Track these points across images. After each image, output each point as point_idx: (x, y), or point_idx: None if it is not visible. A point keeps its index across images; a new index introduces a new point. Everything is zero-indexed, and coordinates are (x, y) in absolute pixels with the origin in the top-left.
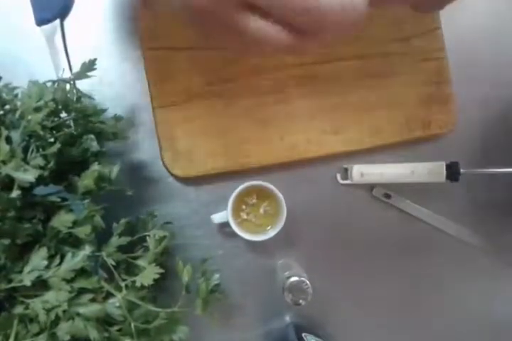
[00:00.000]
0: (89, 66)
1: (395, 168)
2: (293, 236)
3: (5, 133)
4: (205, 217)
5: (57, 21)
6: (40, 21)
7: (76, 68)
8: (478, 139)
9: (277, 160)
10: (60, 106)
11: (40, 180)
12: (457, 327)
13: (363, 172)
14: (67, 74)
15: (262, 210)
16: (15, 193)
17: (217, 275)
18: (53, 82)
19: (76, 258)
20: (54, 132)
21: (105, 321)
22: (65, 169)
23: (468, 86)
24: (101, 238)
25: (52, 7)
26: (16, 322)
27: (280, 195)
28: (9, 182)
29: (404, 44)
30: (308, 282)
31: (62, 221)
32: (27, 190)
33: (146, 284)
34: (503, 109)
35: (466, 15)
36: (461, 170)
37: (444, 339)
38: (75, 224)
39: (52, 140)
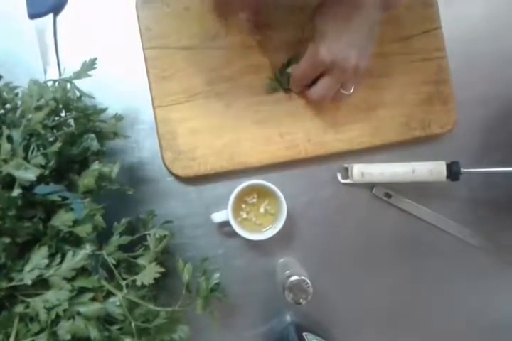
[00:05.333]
0: (90, 65)
1: (395, 168)
2: (293, 235)
3: (6, 132)
4: (205, 216)
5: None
6: (33, 14)
7: (77, 67)
8: (478, 139)
9: (277, 159)
10: (60, 106)
11: (41, 179)
12: (457, 327)
13: (364, 171)
14: (54, 72)
15: (262, 209)
16: (16, 192)
17: (217, 275)
18: (54, 81)
19: (77, 257)
20: (54, 131)
21: (105, 320)
22: (65, 168)
23: (468, 86)
24: (101, 237)
25: (46, 1)
26: (16, 321)
27: (280, 194)
28: (10, 181)
29: (404, 44)
30: (308, 281)
31: (62, 220)
32: (28, 188)
33: (146, 283)
34: (503, 109)
35: (466, 16)
36: (462, 170)
37: (444, 339)
38: (76, 223)
39: (52, 139)
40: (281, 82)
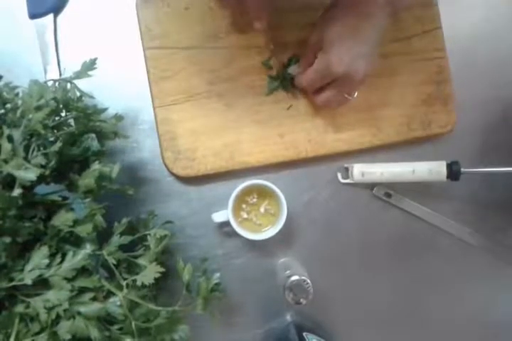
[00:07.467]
0: (90, 65)
1: (395, 167)
2: (293, 235)
3: (6, 132)
4: (206, 216)
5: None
6: (33, 15)
7: (77, 67)
8: (478, 139)
9: (278, 159)
10: (60, 105)
11: (41, 179)
12: (457, 327)
13: (364, 171)
14: (54, 72)
15: (262, 209)
16: (16, 192)
17: (217, 275)
18: (54, 81)
19: (77, 257)
20: (55, 131)
21: (106, 320)
22: (65, 168)
23: (468, 86)
24: (102, 237)
25: (46, 1)
26: (16, 320)
27: (281, 194)
28: (11, 181)
29: (404, 44)
30: (309, 281)
31: (63, 220)
32: (28, 188)
33: (146, 283)
34: (502, 109)
35: (465, 16)
36: (462, 170)
37: (444, 339)
38: (76, 222)
39: (53, 139)
40: (281, 82)
